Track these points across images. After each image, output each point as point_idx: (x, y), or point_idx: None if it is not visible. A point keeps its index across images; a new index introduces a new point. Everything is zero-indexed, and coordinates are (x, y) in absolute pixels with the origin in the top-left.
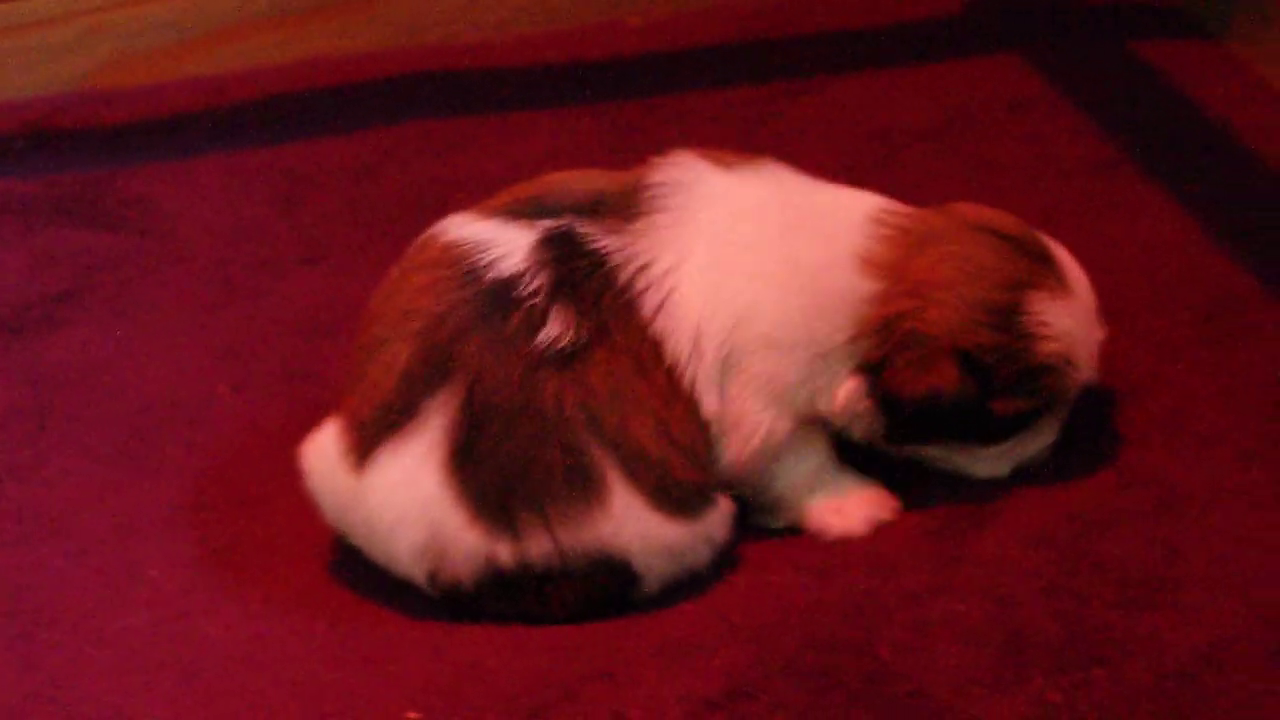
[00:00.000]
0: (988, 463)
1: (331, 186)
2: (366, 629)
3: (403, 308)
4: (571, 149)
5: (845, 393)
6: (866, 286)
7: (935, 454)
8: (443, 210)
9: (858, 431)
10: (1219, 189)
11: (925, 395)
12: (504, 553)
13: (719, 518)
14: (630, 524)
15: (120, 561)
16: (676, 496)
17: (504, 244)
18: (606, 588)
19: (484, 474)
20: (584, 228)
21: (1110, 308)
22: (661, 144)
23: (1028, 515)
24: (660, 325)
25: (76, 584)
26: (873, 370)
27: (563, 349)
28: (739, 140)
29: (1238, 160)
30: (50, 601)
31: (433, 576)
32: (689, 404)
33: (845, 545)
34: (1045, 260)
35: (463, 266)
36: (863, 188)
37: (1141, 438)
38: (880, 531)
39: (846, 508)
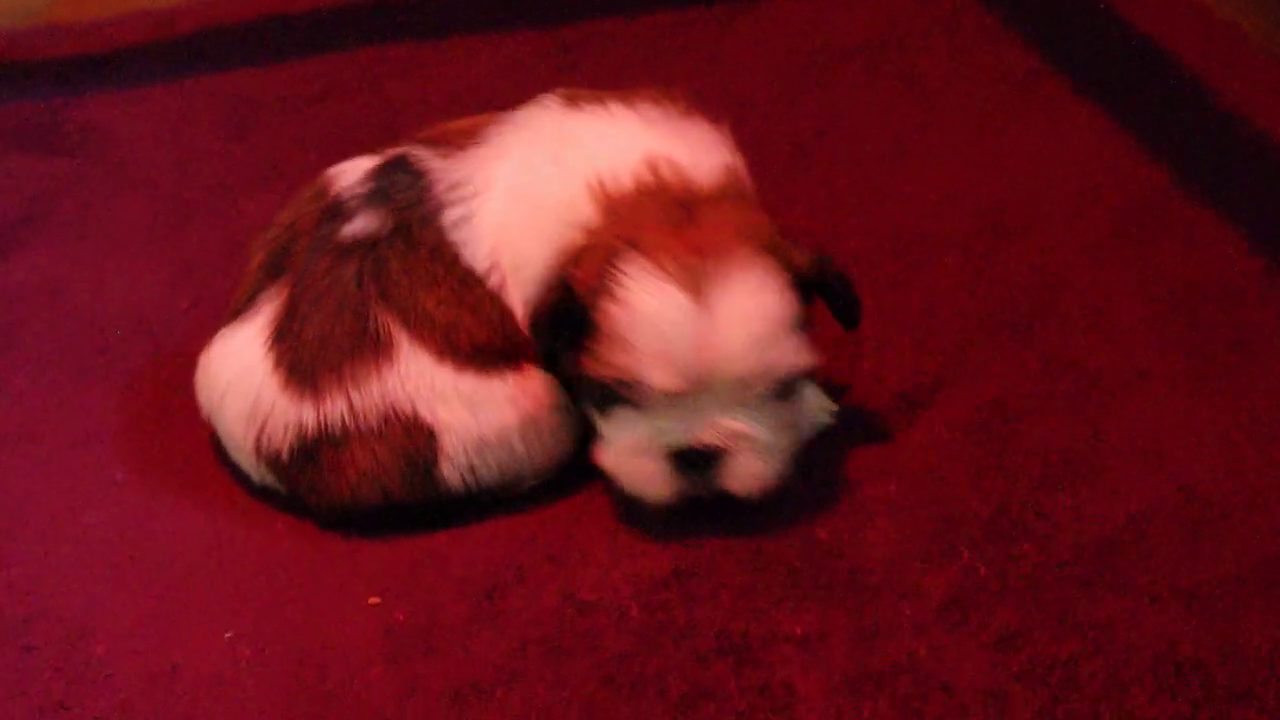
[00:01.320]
0: (604, 447)
1: (283, 112)
2: (324, 530)
3: (271, 224)
4: (516, 72)
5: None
6: (585, 213)
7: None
8: (391, 133)
9: None
10: (1139, 98)
11: (527, 305)
12: (309, 416)
13: (526, 381)
14: (414, 374)
15: (86, 467)
16: (465, 351)
17: (352, 170)
18: (406, 450)
19: (296, 348)
20: (418, 153)
21: (1038, 212)
22: (604, 66)
23: (957, 404)
24: (459, 235)
25: (45, 488)
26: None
27: (364, 239)
28: (680, 59)
29: (1159, 69)
30: (20, 505)
31: (258, 445)
32: (493, 300)
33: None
34: (696, 246)
35: (316, 188)
36: (798, 105)
37: (1065, 328)
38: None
39: None
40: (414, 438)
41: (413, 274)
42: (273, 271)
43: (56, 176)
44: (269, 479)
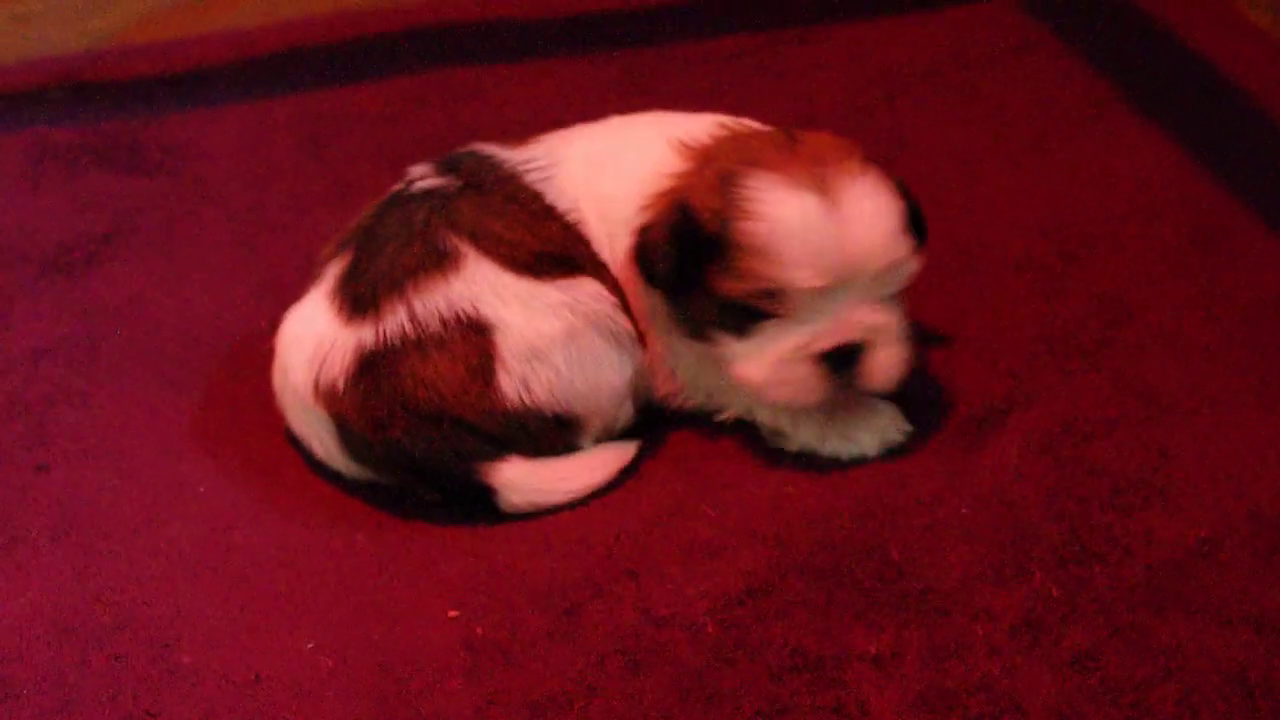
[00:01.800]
0: (747, 363)
1: (357, 131)
2: (405, 538)
3: (340, 229)
4: (585, 94)
5: (623, 249)
6: (673, 163)
7: (711, 341)
8: None
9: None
10: (1205, 123)
11: (641, 229)
12: (368, 336)
13: (586, 285)
14: (479, 278)
15: (168, 479)
16: (525, 262)
17: (421, 170)
18: (465, 356)
19: (359, 287)
20: (482, 146)
21: (1104, 233)
22: (673, 89)
23: (1027, 426)
24: (539, 188)
25: (128, 499)
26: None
27: (435, 190)
28: (748, 84)
29: (1226, 96)
30: (105, 516)
31: (317, 383)
32: (564, 227)
33: (854, 462)
34: (811, 160)
35: (390, 190)
36: (867, 127)
37: (1133, 350)
38: (889, 452)
39: (853, 433)
40: (473, 341)
41: (482, 209)
42: (341, 249)
43: (138, 194)
44: (324, 432)
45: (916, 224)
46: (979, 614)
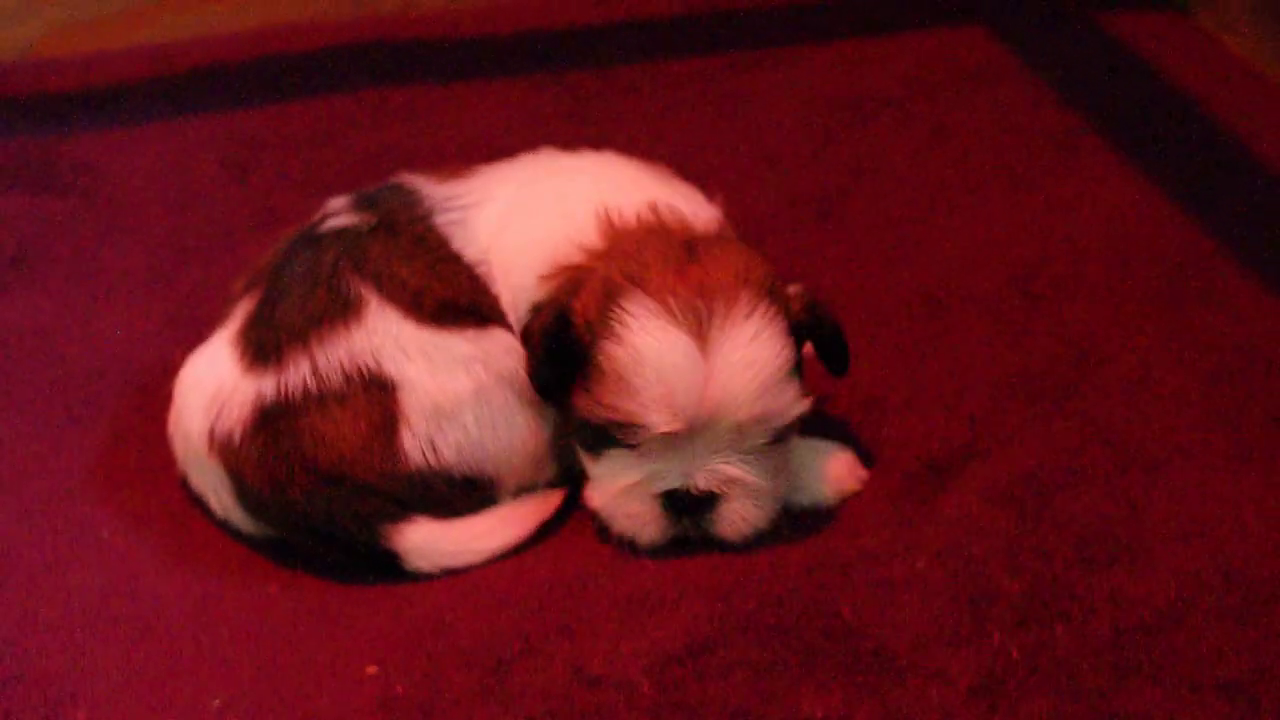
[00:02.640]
0: (593, 487)
1: (284, 153)
2: (320, 590)
3: (254, 260)
4: (527, 118)
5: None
6: (588, 237)
7: (580, 451)
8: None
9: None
10: (1181, 158)
11: (529, 318)
12: (268, 387)
13: (487, 340)
14: (381, 329)
15: (70, 523)
16: (430, 309)
17: (339, 203)
18: (368, 414)
19: (264, 332)
20: (410, 178)
21: (1072, 272)
22: (620, 113)
23: (988, 476)
24: (450, 231)
25: (26, 544)
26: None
27: (345, 230)
28: (701, 109)
29: (1200, 129)
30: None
31: (212, 432)
32: (470, 276)
33: (805, 510)
34: (699, 288)
35: (304, 223)
36: (824, 159)
37: (1101, 397)
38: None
39: (804, 482)
40: (376, 398)
41: (390, 252)
42: (249, 287)
43: (48, 217)
44: (219, 485)
45: (836, 352)
46: (934, 676)
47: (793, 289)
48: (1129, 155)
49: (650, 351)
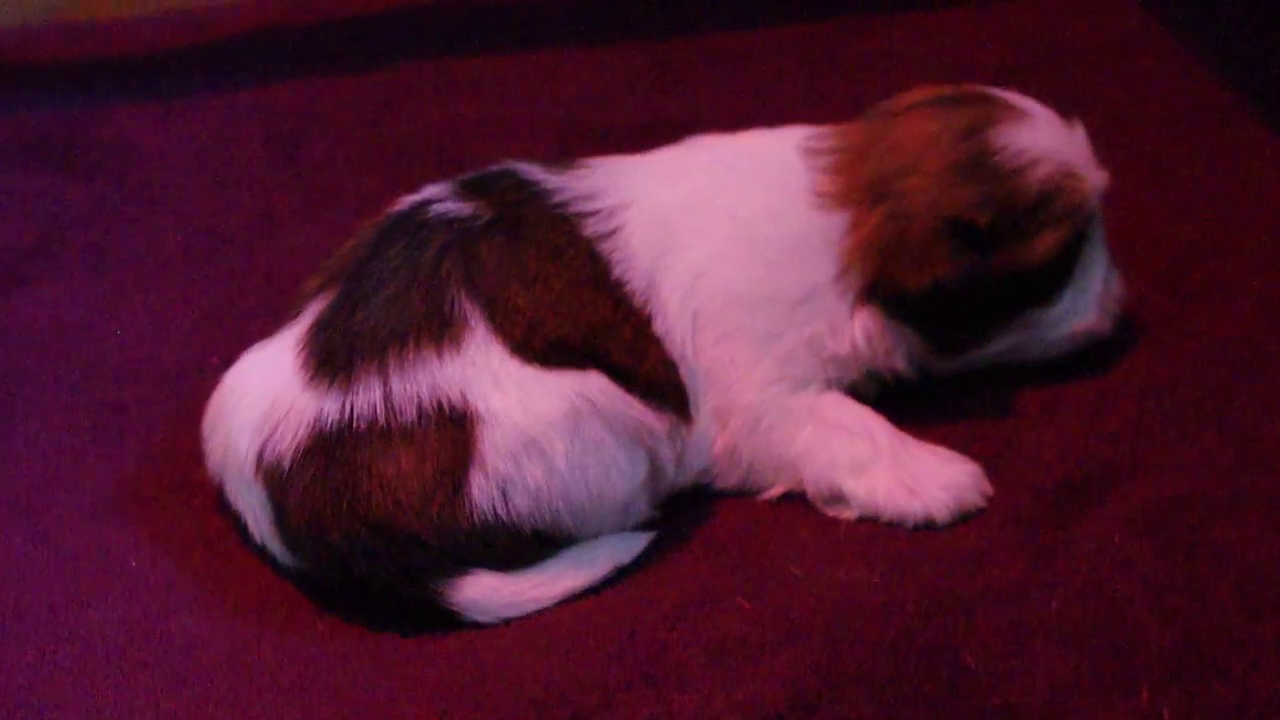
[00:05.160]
0: (1063, 324)
1: (336, 130)
2: (371, 633)
3: (334, 252)
4: (608, 91)
5: (861, 329)
6: (830, 220)
7: (1006, 346)
8: (459, 157)
9: (903, 364)
10: None
11: (930, 286)
12: (332, 407)
13: (593, 379)
14: (481, 362)
15: (95, 549)
16: (538, 349)
17: (438, 190)
18: (437, 456)
19: (335, 336)
20: (525, 169)
21: (1229, 268)
22: (712, 85)
23: (1133, 501)
24: (605, 246)
25: (46, 573)
26: (877, 293)
27: (453, 219)
28: (801, 80)
29: None
30: (13, 594)
31: (260, 456)
32: (632, 317)
33: (924, 536)
34: (987, 100)
35: (385, 214)
36: None
37: (1264, 412)
38: (965, 519)
39: (922, 486)
40: (450, 437)
41: (510, 267)
42: (325, 285)
43: (72, 201)
44: (259, 510)
45: None
46: None
47: None
48: None
49: (1054, 138)
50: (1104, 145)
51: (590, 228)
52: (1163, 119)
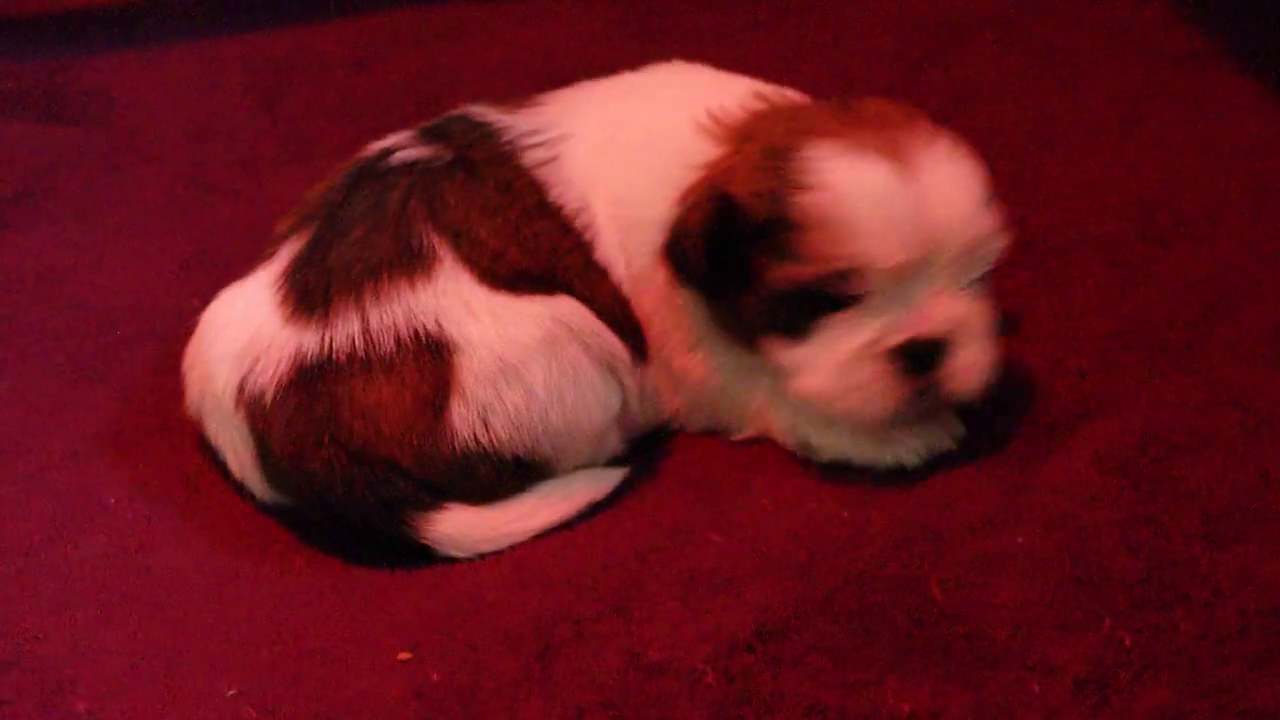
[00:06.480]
0: (794, 375)
1: (316, 78)
2: (347, 566)
3: (303, 197)
4: (585, 37)
5: (643, 251)
6: (704, 149)
7: (776, 367)
8: (440, 105)
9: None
10: None
11: (674, 225)
12: (311, 341)
13: (557, 303)
14: (451, 290)
15: (76, 487)
16: (504, 276)
17: (401, 137)
18: (415, 385)
19: (311, 274)
20: (477, 109)
21: (1199, 211)
22: (689, 33)
23: (1100, 438)
24: (543, 175)
25: (26, 512)
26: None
27: (416, 162)
28: (779, 28)
29: None
30: None
31: (242, 387)
32: (580, 245)
33: (894, 473)
34: (875, 124)
35: (354, 159)
36: (918, 85)
37: (1231, 351)
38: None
39: (892, 435)
40: (428, 366)
41: (470, 202)
42: (299, 226)
43: (56, 148)
44: (240, 444)
45: None
46: (1036, 667)
47: None
48: (1265, 81)
49: (858, 185)
50: (1078, 93)
51: (532, 159)
52: (1137, 63)
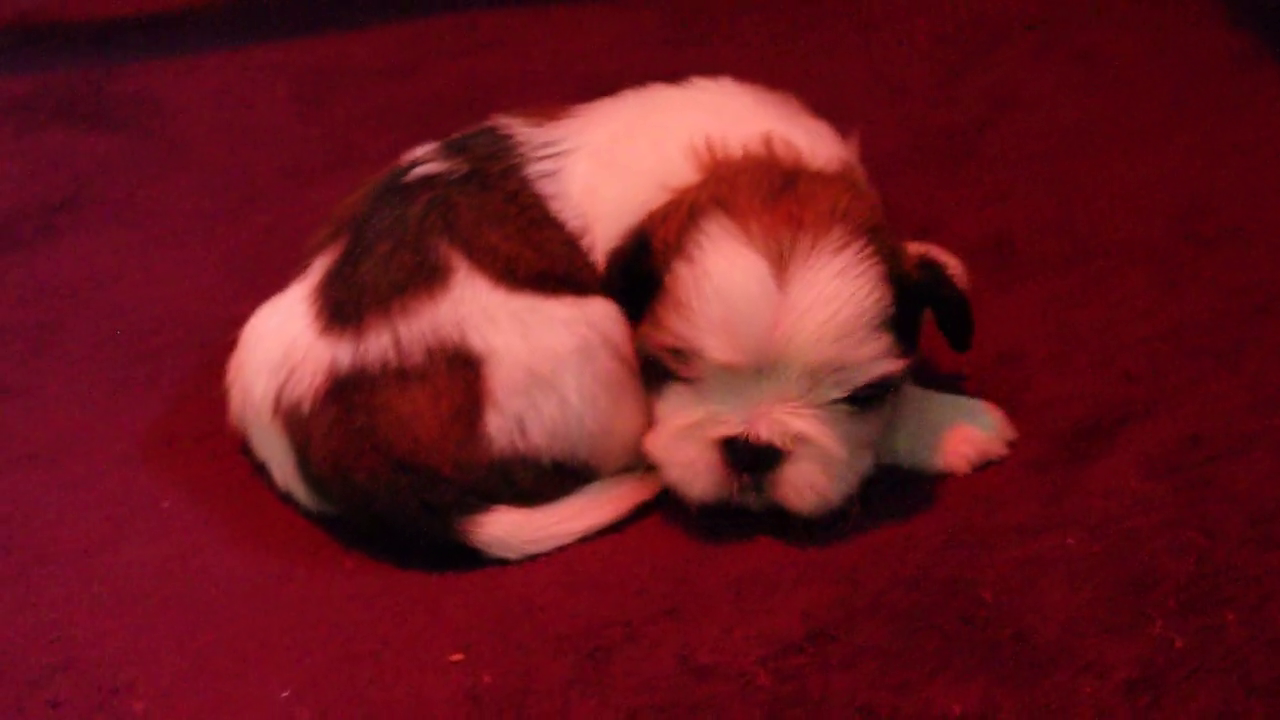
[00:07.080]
0: (650, 436)
1: (361, 85)
2: (399, 570)
3: (338, 204)
4: (628, 43)
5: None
6: (683, 173)
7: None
8: (482, 112)
9: None
10: None
11: (612, 246)
12: (345, 354)
13: (586, 305)
14: (469, 298)
15: (125, 493)
16: (523, 278)
17: (426, 150)
18: (450, 394)
19: (342, 290)
20: (505, 120)
21: (1245, 215)
22: (729, 38)
23: (1147, 441)
24: (545, 188)
25: (77, 516)
26: None
27: (433, 177)
28: (818, 31)
29: None
30: (49, 534)
31: (279, 397)
32: (565, 244)
33: (939, 477)
34: (788, 217)
35: (386, 170)
36: (959, 90)
37: (1275, 352)
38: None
39: (943, 442)
40: (459, 376)
41: (481, 212)
42: (330, 239)
43: (99, 155)
44: (281, 455)
45: (957, 325)
46: (1086, 668)
47: (914, 248)
48: None
49: (718, 272)
50: (1121, 96)
51: (536, 171)
52: (1180, 65)
